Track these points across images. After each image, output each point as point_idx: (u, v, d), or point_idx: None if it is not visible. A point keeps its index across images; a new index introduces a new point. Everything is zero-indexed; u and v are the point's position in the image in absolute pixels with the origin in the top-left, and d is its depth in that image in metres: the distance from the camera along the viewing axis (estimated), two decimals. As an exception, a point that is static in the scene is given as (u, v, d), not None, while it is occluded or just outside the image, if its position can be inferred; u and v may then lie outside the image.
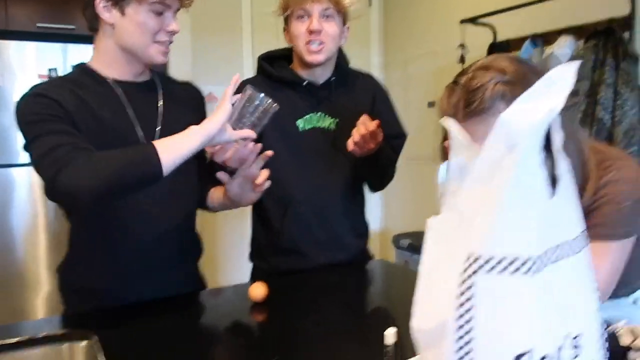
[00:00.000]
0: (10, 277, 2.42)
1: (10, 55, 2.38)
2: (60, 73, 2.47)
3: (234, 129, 1.06)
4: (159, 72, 1.27)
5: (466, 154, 0.64)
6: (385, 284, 1.44)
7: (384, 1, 3.59)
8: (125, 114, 1.14)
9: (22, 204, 2.44)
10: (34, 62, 2.43)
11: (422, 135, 3.24)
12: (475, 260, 0.50)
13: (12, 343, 0.96)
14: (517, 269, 0.49)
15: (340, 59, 1.48)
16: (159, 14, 1.09)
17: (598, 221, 0.90)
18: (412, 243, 2.94)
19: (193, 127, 1.00)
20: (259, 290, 1.15)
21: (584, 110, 2.15)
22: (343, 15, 1.38)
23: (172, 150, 0.96)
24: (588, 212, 0.91)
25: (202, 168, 1.29)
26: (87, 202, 0.90)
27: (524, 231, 0.49)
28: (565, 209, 0.53)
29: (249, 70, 3.08)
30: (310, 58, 1.36)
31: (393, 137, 1.49)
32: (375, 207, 3.66)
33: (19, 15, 2.44)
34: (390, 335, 0.85)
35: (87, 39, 2.41)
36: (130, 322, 1.08)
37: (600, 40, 2.16)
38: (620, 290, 0.99)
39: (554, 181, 0.54)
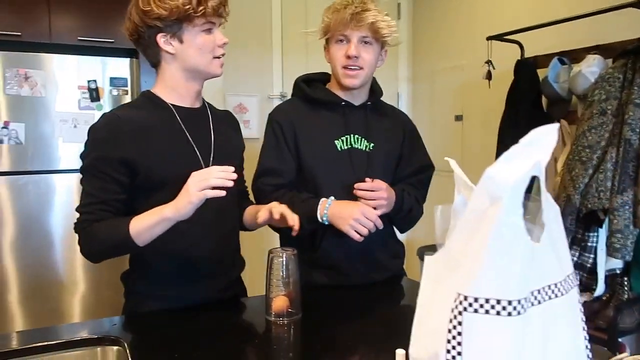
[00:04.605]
0: (49, 278, 2.57)
1: (53, 67, 2.53)
2: (100, 85, 2.61)
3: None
4: (205, 101, 1.39)
5: (467, 192, 0.69)
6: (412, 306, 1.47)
7: (413, 14, 3.62)
8: (186, 138, 1.27)
9: (61, 208, 2.58)
10: (75, 75, 2.58)
11: (448, 147, 3.25)
12: (463, 300, 0.55)
13: (49, 345, 1.06)
14: (501, 311, 0.53)
15: (375, 87, 1.54)
16: (209, 31, 1.24)
17: None
18: (435, 256, 2.95)
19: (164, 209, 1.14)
20: (280, 303, 1.23)
21: (611, 130, 2.13)
22: (381, 42, 1.44)
23: (145, 231, 1.15)
24: None
25: (239, 191, 1.40)
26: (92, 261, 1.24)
27: (507, 276, 0.53)
28: (550, 255, 0.57)
29: (278, 83, 3.16)
30: (346, 81, 1.42)
31: (422, 169, 1.55)
32: (400, 217, 3.67)
33: (61, 28, 2.58)
34: (399, 355, 0.89)
35: (125, 53, 2.55)
36: (162, 327, 1.18)
37: (629, 59, 2.13)
38: None
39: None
